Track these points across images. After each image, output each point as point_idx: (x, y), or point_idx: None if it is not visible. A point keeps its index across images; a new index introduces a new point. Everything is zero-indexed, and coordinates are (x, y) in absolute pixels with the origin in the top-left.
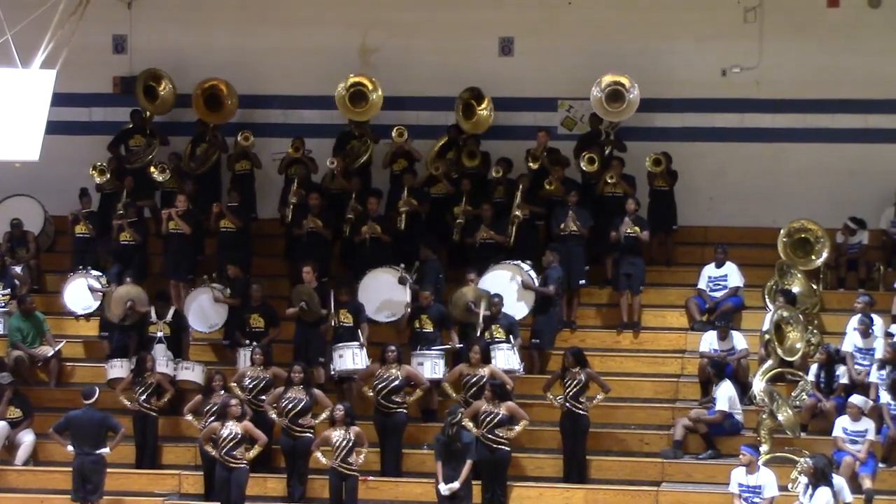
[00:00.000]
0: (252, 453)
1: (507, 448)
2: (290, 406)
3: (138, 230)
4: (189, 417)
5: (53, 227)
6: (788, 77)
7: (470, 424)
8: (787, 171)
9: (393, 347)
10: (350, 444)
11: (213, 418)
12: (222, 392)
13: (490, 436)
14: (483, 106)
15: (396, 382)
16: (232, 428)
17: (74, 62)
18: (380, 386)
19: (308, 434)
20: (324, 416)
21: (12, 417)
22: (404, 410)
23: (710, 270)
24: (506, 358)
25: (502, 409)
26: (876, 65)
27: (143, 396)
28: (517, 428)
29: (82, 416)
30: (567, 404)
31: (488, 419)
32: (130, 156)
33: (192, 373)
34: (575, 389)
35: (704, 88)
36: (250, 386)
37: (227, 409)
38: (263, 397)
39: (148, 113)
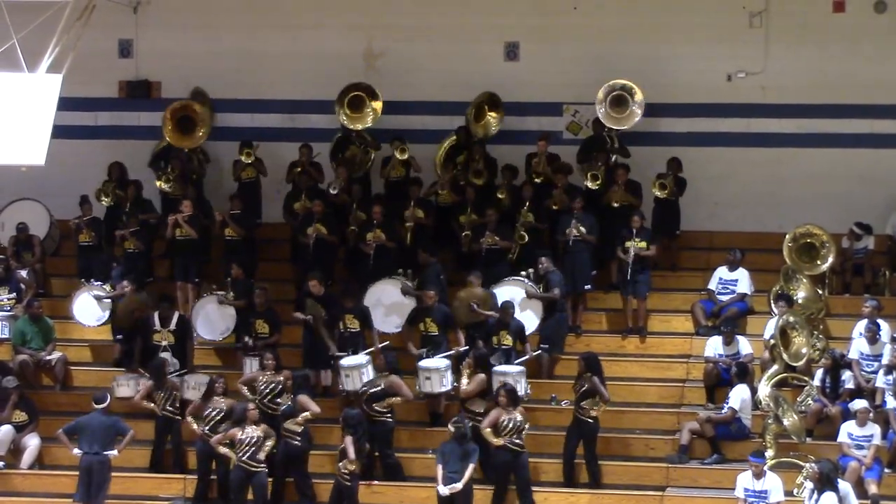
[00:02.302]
0: (268, 445)
1: (526, 451)
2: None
3: (140, 238)
4: (189, 420)
5: (59, 231)
6: (794, 82)
7: (493, 438)
8: (792, 176)
9: (382, 355)
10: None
11: (215, 422)
12: (222, 396)
13: (512, 442)
14: (494, 113)
15: (376, 389)
16: (251, 432)
17: (80, 67)
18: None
19: (297, 441)
20: (303, 415)
21: (18, 421)
22: (389, 418)
23: (722, 272)
24: (523, 388)
25: (518, 415)
26: (881, 70)
27: (167, 402)
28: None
29: (93, 420)
30: (574, 409)
31: (510, 426)
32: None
33: (198, 393)
34: (579, 395)
35: (710, 93)
36: (266, 390)
37: (246, 414)
38: (280, 400)
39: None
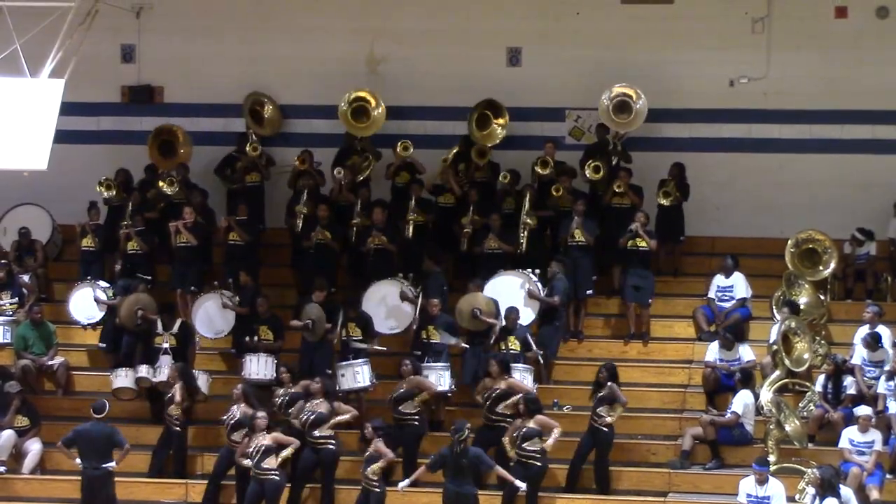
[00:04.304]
0: (284, 453)
1: (538, 464)
2: (310, 417)
3: (145, 239)
4: (242, 461)
5: (61, 236)
6: (796, 88)
7: (512, 452)
8: (794, 181)
9: (407, 361)
10: (368, 458)
11: (236, 431)
12: (235, 407)
13: (521, 452)
14: (500, 120)
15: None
16: (259, 441)
17: (83, 72)
18: (394, 396)
19: (330, 445)
20: (340, 418)
21: (19, 426)
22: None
23: (718, 280)
24: (521, 378)
25: (531, 423)
26: (883, 75)
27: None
28: (551, 438)
29: (90, 430)
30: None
31: (515, 434)
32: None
33: (197, 381)
34: (595, 402)
35: (712, 99)
36: (285, 403)
37: (254, 422)
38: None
39: (254, 135)
